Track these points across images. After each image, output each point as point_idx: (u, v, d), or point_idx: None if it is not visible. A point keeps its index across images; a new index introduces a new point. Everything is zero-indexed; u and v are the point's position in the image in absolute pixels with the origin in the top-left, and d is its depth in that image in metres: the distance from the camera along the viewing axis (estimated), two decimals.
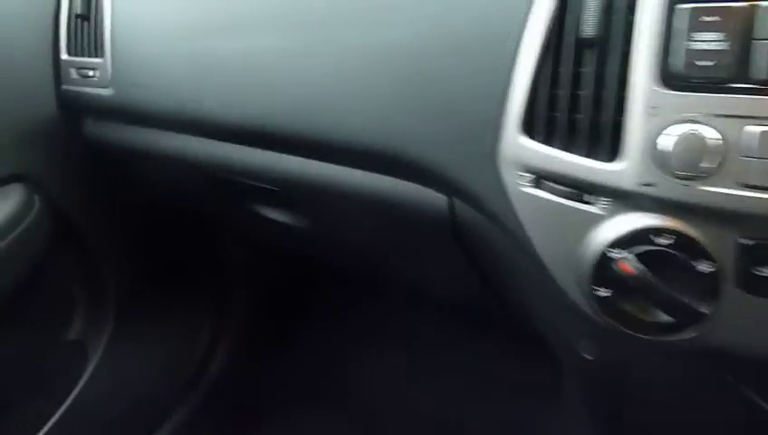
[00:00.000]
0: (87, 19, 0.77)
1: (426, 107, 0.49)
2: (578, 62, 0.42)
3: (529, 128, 0.44)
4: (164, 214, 0.96)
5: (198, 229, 1.04)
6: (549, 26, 0.42)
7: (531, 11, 0.43)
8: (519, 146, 0.44)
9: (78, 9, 0.77)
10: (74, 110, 0.82)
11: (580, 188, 0.43)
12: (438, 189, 0.54)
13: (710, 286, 0.40)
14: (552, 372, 0.65)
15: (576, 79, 0.42)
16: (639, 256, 0.41)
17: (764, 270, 0.38)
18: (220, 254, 1.12)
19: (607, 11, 0.40)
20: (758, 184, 0.36)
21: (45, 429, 0.87)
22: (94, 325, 0.94)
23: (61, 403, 0.90)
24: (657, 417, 0.55)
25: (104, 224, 0.91)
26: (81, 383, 0.91)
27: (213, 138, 0.67)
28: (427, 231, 0.59)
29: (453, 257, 0.62)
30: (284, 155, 0.63)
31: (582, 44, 0.41)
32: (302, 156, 0.60)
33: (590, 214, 0.43)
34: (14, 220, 0.76)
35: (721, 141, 0.36)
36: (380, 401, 1.08)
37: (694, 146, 0.37)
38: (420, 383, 1.04)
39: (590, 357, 0.54)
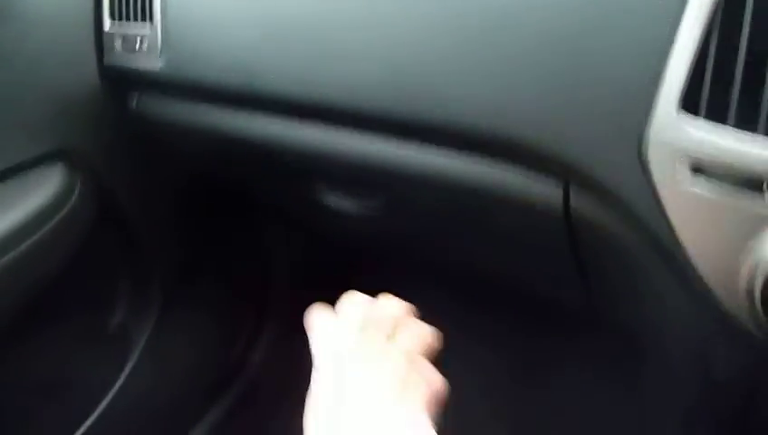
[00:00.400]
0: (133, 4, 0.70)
1: (554, 80, 0.41)
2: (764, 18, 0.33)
3: (693, 103, 0.36)
4: (213, 197, 0.90)
5: (246, 216, 0.98)
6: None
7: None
8: (677, 126, 0.36)
9: None
10: (119, 85, 0.75)
11: (759, 182, 0.35)
12: (553, 178, 0.46)
13: None
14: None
15: (763, 34, 0.34)
16: None
17: None
18: (265, 241, 1.05)
19: None
20: None
21: (89, 421, 0.83)
22: (138, 314, 0.88)
23: (105, 393, 0.85)
24: None
25: (151, 207, 0.85)
26: (125, 373, 0.86)
27: (285, 116, 0.60)
28: (526, 223, 0.51)
29: (551, 252, 0.54)
30: (367, 136, 0.55)
31: None
32: (391, 137, 0.53)
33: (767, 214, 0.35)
34: (57, 203, 0.70)
35: None
36: None
37: None
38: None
39: (721, 377, 0.46)
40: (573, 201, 0.46)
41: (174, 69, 0.67)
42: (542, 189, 0.47)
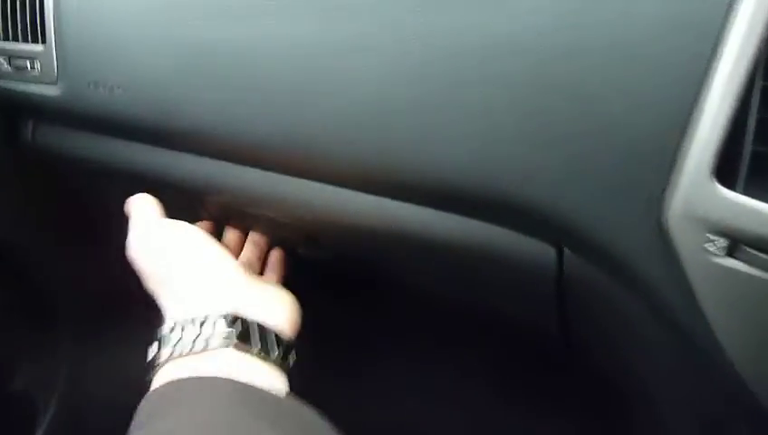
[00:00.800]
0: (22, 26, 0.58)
1: (549, 134, 0.35)
2: None
3: (726, 173, 0.31)
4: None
5: None
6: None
7: (729, 22, 0.29)
8: (709, 198, 0.31)
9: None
10: (6, 112, 0.63)
11: None
12: (546, 240, 0.40)
13: None
14: None
15: None
16: None
17: None
18: None
19: None
20: None
21: None
22: (44, 369, 0.76)
23: None
24: None
25: (48, 252, 0.72)
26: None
27: (212, 157, 0.51)
28: (511, 276, 0.45)
29: (534, 303, 0.49)
30: (313, 183, 0.47)
31: None
32: (344, 187, 0.45)
33: None
34: None
35: None
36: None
37: None
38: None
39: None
40: (567, 264, 0.40)
41: (75, 97, 0.56)
42: (532, 251, 0.41)
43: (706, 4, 0.31)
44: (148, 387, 0.41)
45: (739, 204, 0.30)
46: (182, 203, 0.62)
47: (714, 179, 0.31)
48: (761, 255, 0.31)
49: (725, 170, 0.30)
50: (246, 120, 0.46)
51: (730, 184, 0.30)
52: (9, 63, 0.60)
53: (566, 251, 0.40)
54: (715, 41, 0.30)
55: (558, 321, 0.48)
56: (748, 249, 0.31)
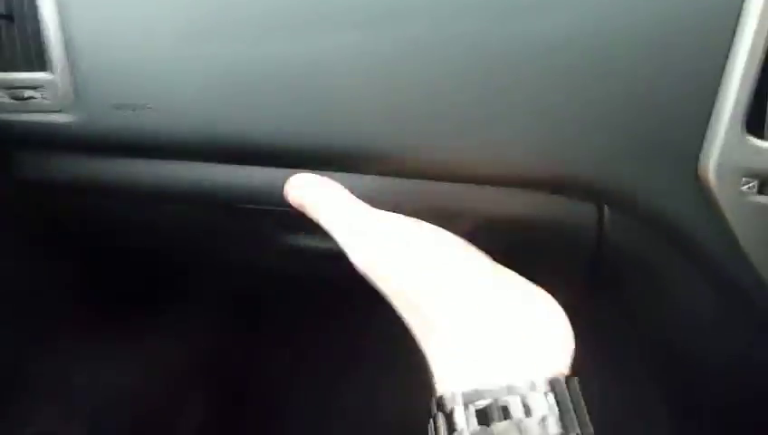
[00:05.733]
0: (11, 19, 0.57)
1: (596, 113, 0.40)
2: None
3: (755, 124, 0.37)
4: (131, 264, 0.78)
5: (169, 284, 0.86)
6: None
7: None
8: (742, 147, 0.37)
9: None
10: (4, 142, 0.61)
11: None
12: (587, 202, 0.46)
13: None
14: None
15: None
16: None
17: None
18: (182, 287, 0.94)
19: None
20: None
21: None
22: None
23: None
24: None
25: (47, 281, 0.71)
26: None
27: (254, 164, 0.53)
28: (549, 244, 0.50)
29: (572, 264, 0.54)
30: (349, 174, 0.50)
31: None
32: (386, 174, 0.49)
33: None
34: None
35: None
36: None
37: None
38: None
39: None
40: (607, 222, 0.46)
41: (92, 122, 0.56)
42: (574, 211, 0.46)
43: None
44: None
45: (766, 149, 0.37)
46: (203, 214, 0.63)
47: (745, 132, 0.37)
48: None
49: (754, 124, 0.37)
50: (284, 126, 0.48)
51: (759, 135, 0.37)
52: (10, 95, 0.58)
53: (606, 210, 0.46)
54: (738, 13, 0.36)
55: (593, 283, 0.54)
56: None
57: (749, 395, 0.51)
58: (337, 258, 0.39)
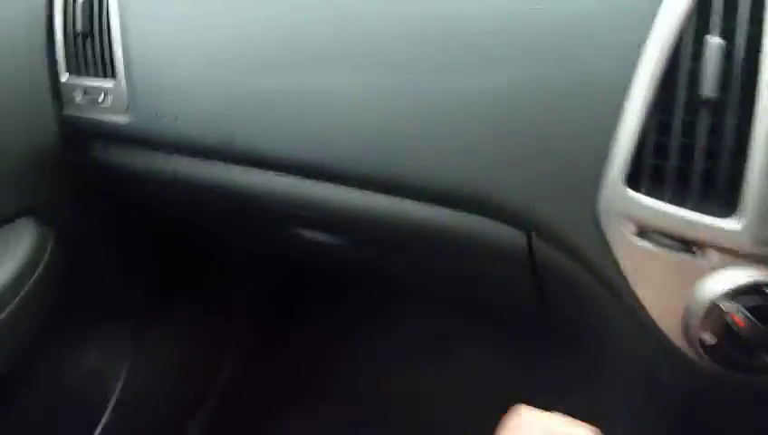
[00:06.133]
0: (90, 37, 0.71)
1: (522, 155, 0.48)
2: (691, 118, 0.41)
3: (634, 180, 0.43)
4: (179, 240, 0.92)
5: (205, 248, 1.00)
6: (661, 81, 0.41)
7: (641, 63, 0.42)
8: (623, 198, 0.44)
9: (78, 26, 0.70)
10: (80, 136, 0.76)
11: (688, 242, 0.43)
12: (518, 228, 0.53)
13: None
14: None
15: (688, 130, 0.41)
16: (751, 309, 0.42)
17: None
18: (226, 269, 1.09)
19: (725, 72, 0.40)
20: None
21: None
22: (111, 353, 0.90)
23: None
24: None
25: (117, 251, 0.86)
26: (105, 418, 0.88)
27: (262, 169, 0.64)
28: (495, 261, 0.58)
29: (514, 282, 0.62)
30: (340, 187, 0.60)
31: (698, 103, 0.41)
32: (374, 190, 0.58)
33: (700, 266, 0.43)
34: (33, 259, 0.71)
35: None
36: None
37: None
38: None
39: (672, 388, 0.55)
40: (536, 247, 0.53)
41: (144, 124, 0.69)
42: (508, 237, 0.54)
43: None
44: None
45: (642, 203, 0.43)
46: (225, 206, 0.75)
47: (627, 185, 0.44)
48: (663, 238, 0.44)
49: (636, 179, 0.43)
50: (296, 143, 0.59)
51: (637, 188, 0.43)
52: (84, 97, 0.73)
53: (534, 238, 0.53)
54: (624, 91, 0.43)
55: (537, 299, 0.62)
56: (654, 234, 0.44)
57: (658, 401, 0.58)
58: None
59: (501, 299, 0.71)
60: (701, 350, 0.44)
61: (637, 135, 0.43)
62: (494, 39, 0.47)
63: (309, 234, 0.73)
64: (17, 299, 0.67)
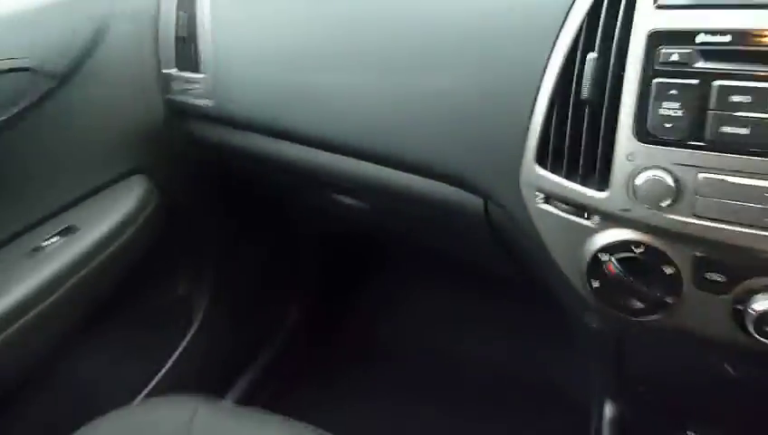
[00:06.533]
0: (187, 41, 0.94)
1: (466, 139, 0.64)
2: (578, 114, 0.55)
3: (541, 160, 0.58)
4: (252, 201, 1.15)
5: (277, 212, 1.23)
6: (557, 87, 0.56)
7: (545, 74, 0.57)
8: (534, 173, 0.59)
9: (181, 32, 0.93)
10: (178, 115, 0.99)
11: (579, 208, 0.57)
12: (476, 195, 0.69)
13: (673, 284, 0.54)
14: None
15: (577, 126, 0.55)
16: (620, 261, 0.55)
17: (711, 275, 0.52)
18: (295, 231, 1.31)
19: (600, 80, 0.53)
20: (703, 214, 0.50)
21: (155, 380, 1.10)
22: (197, 286, 1.15)
23: (173, 352, 1.12)
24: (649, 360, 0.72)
25: (205, 207, 1.10)
26: (187, 337, 1.14)
27: (300, 144, 0.83)
28: (465, 221, 0.74)
29: (483, 239, 0.77)
30: (360, 161, 0.78)
31: (582, 103, 0.55)
32: (374, 163, 0.76)
33: (586, 226, 0.57)
34: (142, 205, 0.95)
35: (675, 185, 0.50)
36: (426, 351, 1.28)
37: (657, 187, 0.50)
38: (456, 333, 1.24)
39: (592, 325, 0.69)
40: (490, 210, 0.69)
41: (220, 107, 0.91)
42: (472, 200, 0.70)
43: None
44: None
45: (546, 177, 0.58)
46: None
47: (536, 164, 0.58)
48: (560, 204, 0.58)
49: (542, 160, 0.58)
50: (322, 124, 0.78)
51: (544, 166, 0.58)
52: (182, 85, 0.96)
53: (488, 203, 0.69)
54: (534, 96, 0.57)
55: (502, 251, 0.77)
56: (554, 201, 0.58)
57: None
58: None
59: (480, 256, 0.86)
60: (590, 292, 0.59)
61: (542, 126, 0.57)
62: (443, 49, 0.63)
63: (342, 199, 0.92)
64: (131, 232, 0.92)
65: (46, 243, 0.85)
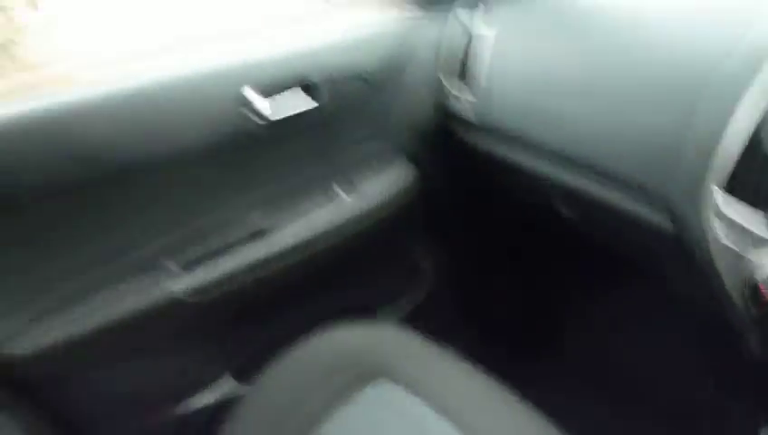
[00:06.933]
0: (467, 62, 1.19)
1: (666, 165, 0.77)
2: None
3: (729, 188, 0.69)
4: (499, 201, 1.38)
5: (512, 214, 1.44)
6: (751, 135, 0.67)
7: (735, 120, 0.68)
8: (719, 199, 0.70)
9: (463, 55, 1.20)
10: (448, 117, 1.26)
11: (756, 239, 0.67)
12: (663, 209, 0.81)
13: None
14: None
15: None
16: None
17: None
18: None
19: None
20: None
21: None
22: (431, 251, 1.42)
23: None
24: None
25: (453, 191, 1.36)
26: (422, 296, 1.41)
27: (536, 154, 1.03)
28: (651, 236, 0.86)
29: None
30: (577, 174, 0.96)
31: None
32: (589, 174, 0.93)
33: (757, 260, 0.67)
34: (407, 186, 1.25)
35: None
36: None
37: None
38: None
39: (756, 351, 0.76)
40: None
41: (480, 120, 1.15)
42: (659, 215, 0.82)
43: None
44: None
45: (729, 202, 0.68)
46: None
47: (721, 189, 0.69)
48: (737, 227, 0.68)
49: (730, 189, 0.69)
50: (563, 142, 0.96)
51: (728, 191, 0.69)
52: (456, 99, 1.22)
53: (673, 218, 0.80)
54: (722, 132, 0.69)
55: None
56: (732, 223, 0.69)
57: None
58: None
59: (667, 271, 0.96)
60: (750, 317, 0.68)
61: (736, 160, 0.68)
62: (660, 90, 0.77)
63: (560, 207, 1.09)
64: (394, 205, 1.22)
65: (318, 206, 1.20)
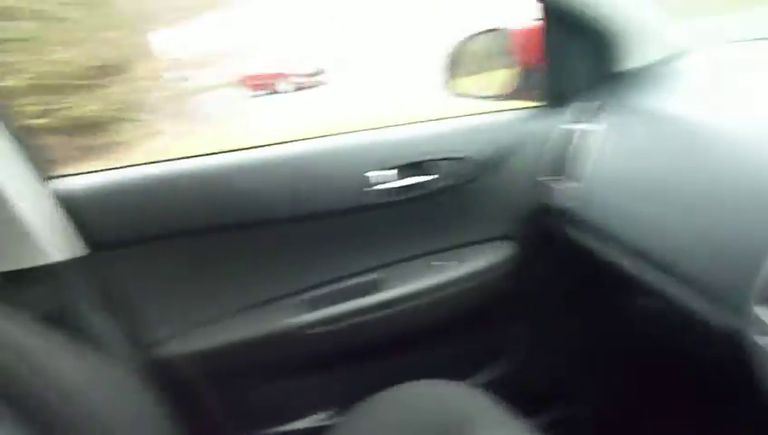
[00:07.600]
0: (569, 160, 1.34)
1: (720, 275, 0.87)
2: None
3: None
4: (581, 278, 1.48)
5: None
6: None
7: None
8: (758, 311, 0.78)
9: (569, 154, 1.34)
10: (547, 209, 1.39)
11: None
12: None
13: None
14: None
15: None
16: None
17: None
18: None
19: None
20: None
21: None
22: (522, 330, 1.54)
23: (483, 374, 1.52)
24: None
25: (547, 269, 1.48)
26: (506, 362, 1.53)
27: (632, 256, 1.12)
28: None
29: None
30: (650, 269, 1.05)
31: None
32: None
33: None
34: (505, 259, 1.40)
35: None
36: None
37: None
38: None
39: None
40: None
41: (579, 211, 1.27)
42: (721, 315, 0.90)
43: None
44: None
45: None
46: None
47: (761, 305, 0.78)
48: None
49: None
50: (648, 243, 1.06)
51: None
52: (557, 192, 1.36)
53: None
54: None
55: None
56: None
57: None
58: None
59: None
60: None
61: None
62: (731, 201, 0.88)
63: (641, 300, 1.18)
64: (490, 276, 1.37)
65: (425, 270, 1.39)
